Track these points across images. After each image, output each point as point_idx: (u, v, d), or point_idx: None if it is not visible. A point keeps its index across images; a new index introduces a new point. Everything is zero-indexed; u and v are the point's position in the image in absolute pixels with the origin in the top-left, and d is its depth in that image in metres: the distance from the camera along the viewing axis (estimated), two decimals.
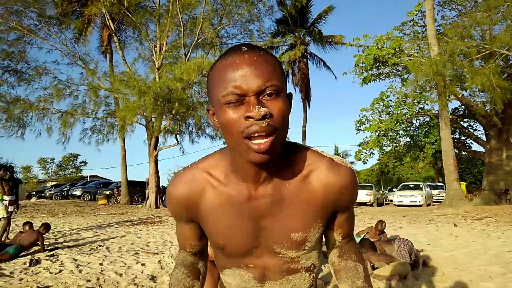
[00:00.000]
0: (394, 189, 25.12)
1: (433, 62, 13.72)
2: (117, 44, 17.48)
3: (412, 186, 21.29)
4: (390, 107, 20.42)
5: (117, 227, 9.08)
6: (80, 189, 22.77)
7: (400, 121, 19.97)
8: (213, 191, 0.90)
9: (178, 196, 0.93)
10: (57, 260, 4.94)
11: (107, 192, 20.39)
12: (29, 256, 4.99)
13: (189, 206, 0.93)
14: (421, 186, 20.84)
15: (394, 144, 21.77)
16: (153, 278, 4.14)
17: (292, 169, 0.89)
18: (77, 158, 42.88)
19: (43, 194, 24.75)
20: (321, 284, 3.77)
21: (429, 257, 5.04)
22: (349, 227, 1.00)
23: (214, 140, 18.15)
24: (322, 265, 4.35)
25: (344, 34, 35.88)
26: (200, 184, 0.91)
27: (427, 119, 21.05)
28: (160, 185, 17.10)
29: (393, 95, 20.54)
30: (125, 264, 4.83)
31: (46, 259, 4.93)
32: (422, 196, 18.99)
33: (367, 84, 20.61)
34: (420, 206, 18.21)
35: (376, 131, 20.18)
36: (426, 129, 20.82)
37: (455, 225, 9.05)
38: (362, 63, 19.68)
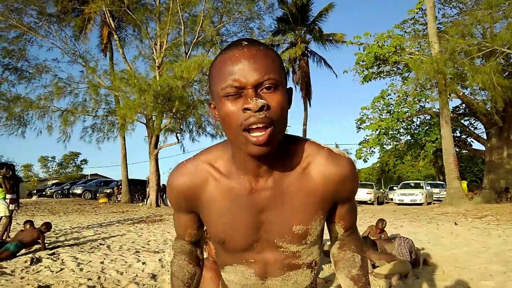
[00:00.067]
0: (394, 188, 25.06)
1: (434, 60, 13.69)
2: (117, 42, 17.46)
3: (412, 184, 21.27)
4: (391, 106, 20.42)
5: (118, 226, 9.09)
6: (81, 187, 22.77)
7: (401, 120, 19.96)
8: (215, 183, 0.90)
9: (179, 187, 0.93)
10: (58, 258, 4.95)
11: (108, 191, 20.40)
12: (30, 255, 5.00)
13: (190, 197, 0.93)
14: (421, 185, 20.80)
15: (395, 143, 21.77)
16: (153, 277, 4.14)
17: (291, 161, 0.89)
18: (78, 156, 43.02)
19: (44, 193, 24.74)
20: (321, 282, 3.77)
21: (430, 255, 5.04)
22: (350, 220, 1.00)
23: (215, 138, 18.15)
24: (323, 265, 4.35)
25: (344, 32, 35.71)
26: (202, 176, 0.91)
27: (428, 117, 21.03)
28: (161, 184, 17.10)
29: (394, 94, 20.58)
30: (126, 262, 4.84)
31: (47, 258, 4.94)
32: (422, 194, 18.96)
33: (367, 82, 20.57)
34: (420, 204, 18.20)
35: (377, 130, 20.17)
36: (427, 127, 20.82)
37: (455, 223, 9.04)
38: (363, 61, 19.64)
